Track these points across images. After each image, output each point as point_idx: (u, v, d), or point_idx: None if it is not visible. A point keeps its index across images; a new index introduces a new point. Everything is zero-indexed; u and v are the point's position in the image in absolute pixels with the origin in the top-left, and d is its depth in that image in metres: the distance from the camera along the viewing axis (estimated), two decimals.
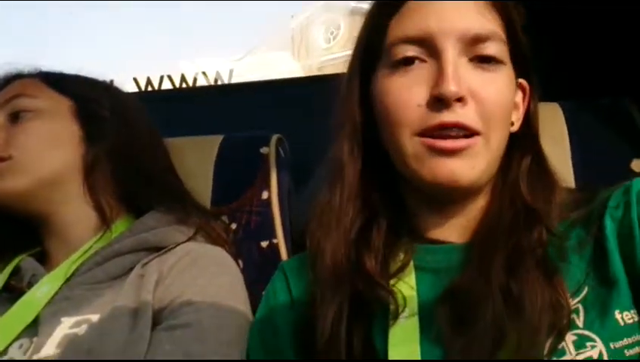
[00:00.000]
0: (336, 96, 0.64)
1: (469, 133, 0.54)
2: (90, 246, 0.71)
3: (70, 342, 0.59)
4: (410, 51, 0.55)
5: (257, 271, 0.79)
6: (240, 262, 0.79)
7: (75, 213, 0.74)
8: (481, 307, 0.50)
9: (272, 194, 0.86)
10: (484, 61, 0.55)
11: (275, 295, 0.65)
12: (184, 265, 0.67)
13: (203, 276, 0.67)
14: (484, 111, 0.54)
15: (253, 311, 0.69)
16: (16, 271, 0.70)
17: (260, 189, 0.86)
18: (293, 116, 1.10)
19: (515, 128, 0.60)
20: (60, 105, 0.77)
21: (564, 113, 0.84)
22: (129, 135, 0.79)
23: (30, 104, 0.75)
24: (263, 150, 0.89)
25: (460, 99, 0.53)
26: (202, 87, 1.36)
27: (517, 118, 0.60)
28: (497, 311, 0.50)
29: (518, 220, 0.55)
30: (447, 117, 0.53)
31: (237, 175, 0.88)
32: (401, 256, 0.58)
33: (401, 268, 0.57)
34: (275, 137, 0.90)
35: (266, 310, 0.65)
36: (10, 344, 0.60)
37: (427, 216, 0.60)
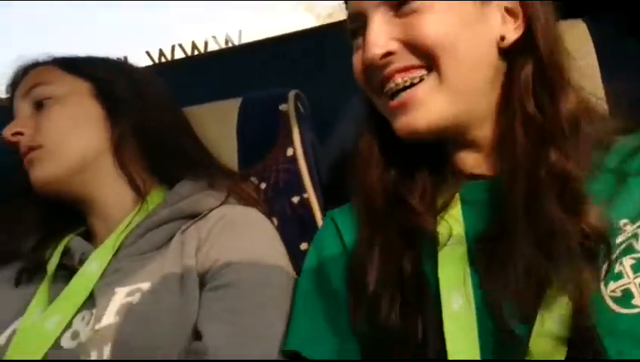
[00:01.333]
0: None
1: (419, 76, 0.56)
2: (131, 220, 0.74)
3: (127, 310, 0.62)
4: (353, 27, 0.61)
5: (292, 227, 0.81)
6: (274, 220, 0.80)
7: (111, 190, 0.77)
8: (512, 250, 0.51)
9: (297, 149, 0.86)
10: (401, 6, 0.57)
11: (326, 243, 0.66)
12: (220, 229, 0.69)
13: (239, 237, 0.69)
14: (420, 48, 0.56)
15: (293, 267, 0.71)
16: (66, 251, 0.73)
17: (284, 147, 0.87)
18: (309, 68, 1.08)
19: (507, 42, 0.58)
20: (79, 89, 0.78)
21: (589, 30, 0.81)
22: (149, 109, 0.80)
23: (49, 91, 0.77)
24: (282, 107, 0.88)
25: (388, 54, 0.57)
26: (215, 52, 1.35)
27: (508, 30, 0.59)
28: (526, 254, 0.50)
29: (531, 142, 0.55)
30: (384, 71, 0.57)
31: (260, 135, 0.88)
32: (448, 191, 0.60)
33: (448, 202, 0.59)
34: (292, 93, 0.90)
35: (316, 259, 0.66)
36: (73, 317, 0.64)
37: (458, 153, 0.62)
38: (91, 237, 0.77)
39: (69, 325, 0.63)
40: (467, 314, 0.52)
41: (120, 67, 0.84)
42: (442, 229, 0.57)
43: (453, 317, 0.52)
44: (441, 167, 0.62)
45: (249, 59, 1.19)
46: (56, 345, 0.62)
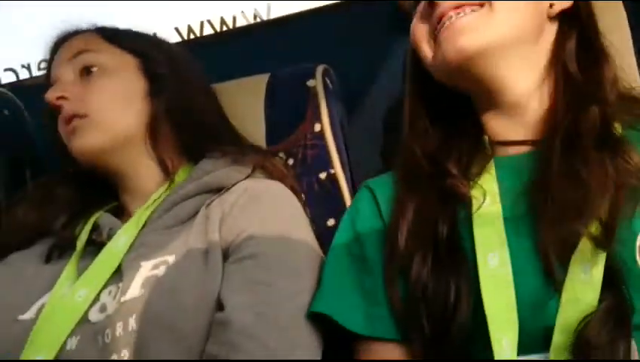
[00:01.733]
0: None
1: (471, 9, 0.60)
2: (159, 196, 0.75)
3: (153, 283, 0.63)
4: None
5: (319, 203, 0.81)
6: (303, 196, 0.80)
7: (143, 167, 0.77)
8: (553, 196, 0.54)
9: (325, 125, 0.86)
10: None
11: (361, 210, 0.67)
12: (244, 202, 0.69)
13: (263, 210, 0.69)
14: None
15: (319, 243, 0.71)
16: (95, 227, 0.74)
17: (311, 123, 0.86)
18: (339, 44, 1.07)
19: (555, 10, 0.63)
20: (127, 62, 0.79)
21: (627, 11, 0.78)
22: (184, 87, 0.80)
23: (97, 60, 0.77)
24: (310, 83, 0.88)
25: None
26: (243, 28, 1.35)
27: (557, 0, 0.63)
28: (567, 198, 0.53)
29: (572, 100, 0.58)
30: (439, 9, 0.61)
31: (287, 111, 0.88)
32: (483, 158, 0.63)
33: (483, 168, 0.62)
34: (320, 68, 0.89)
35: (351, 226, 0.67)
36: (100, 291, 0.65)
37: (493, 120, 0.64)
38: (121, 213, 0.78)
39: (96, 299, 0.64)
40: (504, 271, 0.53)
41: (160, 44, 0.85)
42: (477, 193, 0.59)
43: (489, 276, 0.53)
44: (477, 135, 0.64)
45: (278, 34, 1.18)
46: (85, 318, 0.63)
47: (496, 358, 0.49)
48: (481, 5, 0.60)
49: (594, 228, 0.51)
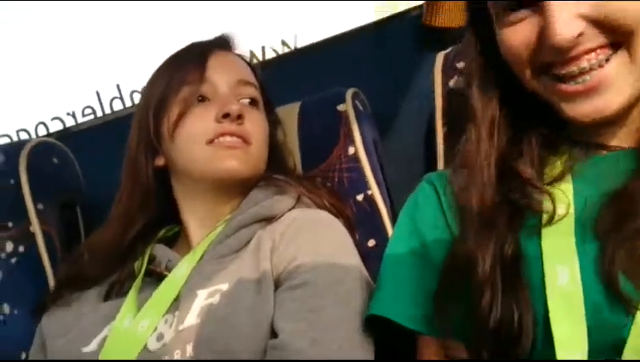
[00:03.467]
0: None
1: (605, 57, 0.51)
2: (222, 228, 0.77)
3: (207, 311, 0.65)
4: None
5: (358, 225, 0.81)
6: (350, 214, 0.81)
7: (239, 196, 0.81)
8: (631, 209, 0.49)
9: (358, 148, 0.87)
10: None
11: (422, 205, 0.65)
12: (293, 232, 0.71)
13: (312, 238, 0.70)
14: (615, 25, 0.50)
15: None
16: (151, 259, 0.78)
17: (345, 146, 0.88)
18: (367, 66, 1.08)
19: None
20: (263, 101, 0.85)
21: None
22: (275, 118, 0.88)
23: (257, 96, 0.83)
24: (340, 107, 0.90)
25: (578, 35, 0.51)
26: (273, 59, 1.38)
27: None
28: None
29: None
30: (570, 54, 0.52)
31: (320, 137, 0.90)
32: (559, 163, 0.57)
33: (559, 176, 0.56)
34: (350, 92, 0.91)
35: (409, 222, 0.64)
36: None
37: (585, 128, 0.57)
38: (177, 240, 0.82)
39: (154, 328, 0.67)
40: (574, 289, 0.49)
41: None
42: (549, 202, 0.54)
43: (558, 294, 0.49)
44: (553, 130, 0.58)
45: (307, 62, 1.21)
46: (144, 347, 0.66)
47: None
48: (614, 48, 0.52)
49: None
